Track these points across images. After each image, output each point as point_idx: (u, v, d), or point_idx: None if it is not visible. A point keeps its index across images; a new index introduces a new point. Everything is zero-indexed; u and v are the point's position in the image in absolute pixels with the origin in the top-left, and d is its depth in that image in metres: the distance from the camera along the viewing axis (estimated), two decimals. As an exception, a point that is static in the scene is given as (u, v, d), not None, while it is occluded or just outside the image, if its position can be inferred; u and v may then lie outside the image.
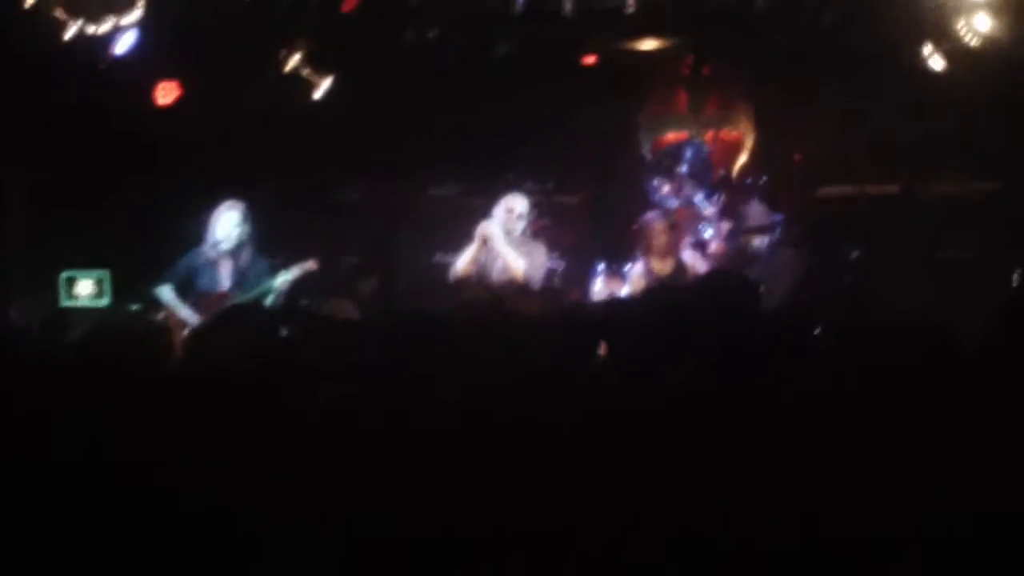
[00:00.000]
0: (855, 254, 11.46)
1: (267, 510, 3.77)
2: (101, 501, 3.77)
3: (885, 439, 3.72)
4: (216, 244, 9.94)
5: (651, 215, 10.50)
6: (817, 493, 3.63)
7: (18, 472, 3.84)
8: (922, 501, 3.56)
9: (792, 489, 3.66)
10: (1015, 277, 10.33)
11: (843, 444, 3.75)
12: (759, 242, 10.35)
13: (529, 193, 10.83)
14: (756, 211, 10.60)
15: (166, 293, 9.97)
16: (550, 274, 10.19)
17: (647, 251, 10.31)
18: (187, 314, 9.86)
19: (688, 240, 10.80)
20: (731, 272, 8.56)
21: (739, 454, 3.75)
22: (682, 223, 11.07)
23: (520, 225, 9.69)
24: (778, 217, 10.94)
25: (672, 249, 10.27)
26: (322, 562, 3.68)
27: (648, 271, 10.25)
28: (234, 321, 5.31)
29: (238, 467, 3.89)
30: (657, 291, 8.74)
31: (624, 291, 10.38)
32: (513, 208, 9.72)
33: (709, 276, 7.49)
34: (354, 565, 3.68)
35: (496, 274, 9.54)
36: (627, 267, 10.67)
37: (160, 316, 9.95)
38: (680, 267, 10.22)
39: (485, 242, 9.51)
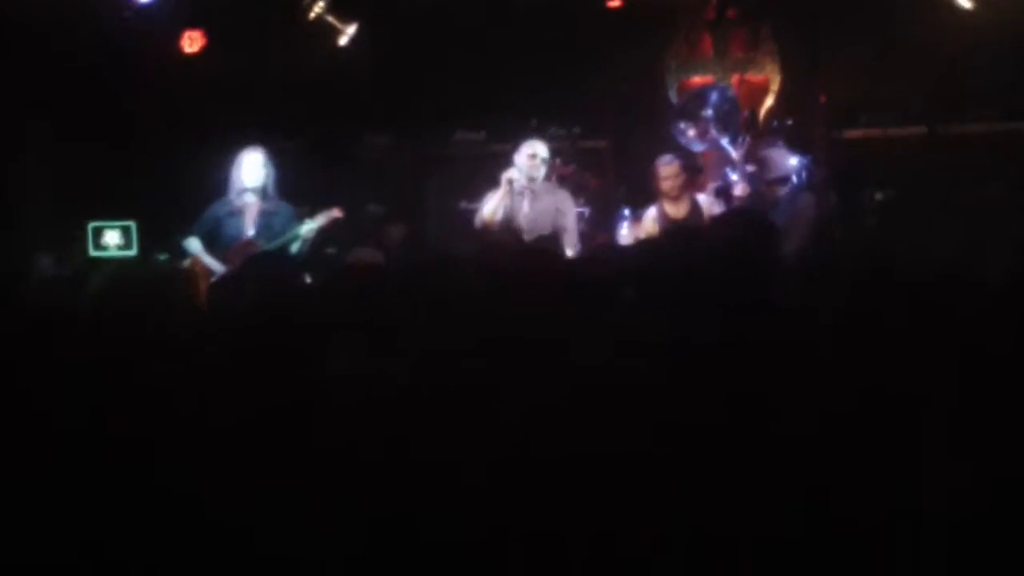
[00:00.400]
0: (879, 196, 11.45)
1: (283, 470, 3.79)
2: (121, 457, 3.80)
3: (908, 394, 3.73)
4: (241, 190, 9.97)
5: (662, 158, 10.50)
6: (836, 452, 3.64)
7: (43, 421, 3.88)
8: (945, 460, 3.57)
9: (809, 447, 3.67)
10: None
11: (864, 398, 3.76)
12: (783, 185, 10.31)
13: (554, 138, 10.85)
14: (781, 154, 10.55)
15: (193, 244, 10.02)
16: (577, 218, 10.18)
17: (659, 194, 10.34)
18: (213, 263, 9.90)
19: (714, 184, 10.78)
20: (748, 211, 8.53)
21: (758, 406, 3.76)
22: (709, 167, 11.05)
23: (542, 169, 9.70)
24: (803, 160, 10.89)
25: (685, 192, 10.28)
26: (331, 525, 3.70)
27: (662, 215, 10.27)
28: (259, 269, 5.35)
29: (256, 424, 3.90)
30: (675, 234, 8.78)
31: (636, 233, 10.40)
32: (535, 153, 9.74)
33: (726, 216, 7.46)
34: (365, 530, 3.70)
35: (521, 219, 9.56)
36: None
37: (186, 264, 10.01)
38: (695, 210, 10.24)
39: (511, 187, 9.53)
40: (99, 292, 4.63)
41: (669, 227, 10.01)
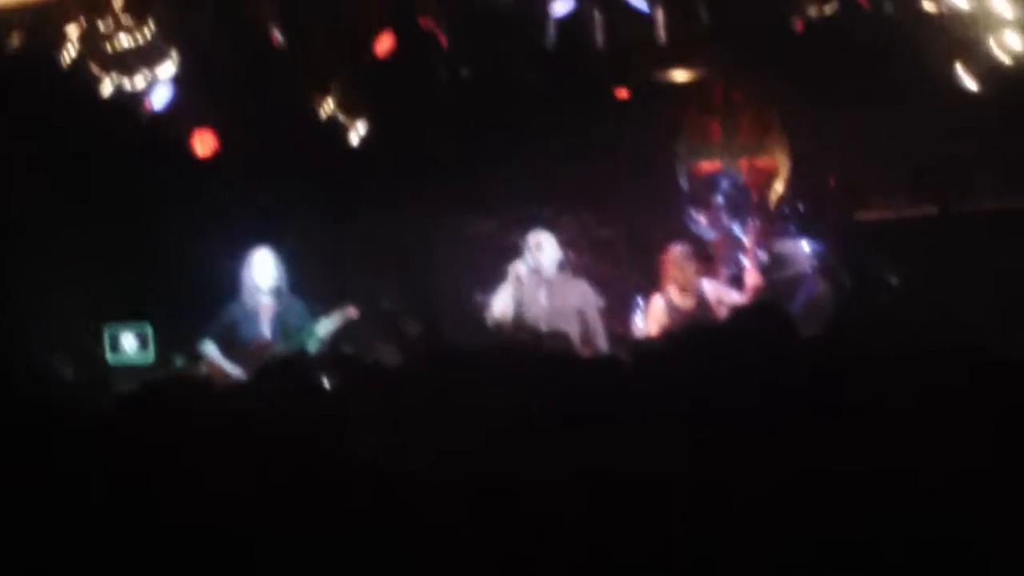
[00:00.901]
0: (894, 278, 11.44)
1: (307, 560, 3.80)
2: (146, 552, 3.80)
3: (934, 470, 3.71)
4: (255, 290, 10.00)
5: (674, 247, 10.47)
6: (861, 527, 3.62)
7: (65, 520, 3.88)
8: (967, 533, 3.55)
9: (836, 523, 3.65)
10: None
11: (892, 475, 3.74)
12: (796, 271, 10.32)
13: (566, 228, 10.85)
14: (794, 247, 10.56)
15: (209, 347, 10.04)
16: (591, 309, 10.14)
17: (668, 284, 10.29)
18: (230, 367, 9.90)
19: (726, 271, 10.79)
20: (766, 305, 8.52)
21: (781, 490, 3.74)
22: (721, 254, 11.08)
23: (547, 258, 9.67)
24: (815, 244, 10.91)
25: (694, 282, 10.23)
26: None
27: (670, 305, 10.20)
28: (278, 373, 5.34)
29: (281, 519, 3.91)
30: (693, 329, 8.76)
31: (648, 325, 10.35)
32: (541, 243, 9.72)
33: (743, 311, 7.45)
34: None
35: (538, 312, 9.53)
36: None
37: (203, 370, 10.02)
38: (702, 301, 10.18)
39: (519, 281, 9.49)
40: (130, 400, 4.65)
41: (680, 320, 9.97)
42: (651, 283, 10.79)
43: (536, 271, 9.56)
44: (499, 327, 9.46)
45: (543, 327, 9.21)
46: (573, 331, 9.38)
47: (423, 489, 4.04)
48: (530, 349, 6.96)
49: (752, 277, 10.54)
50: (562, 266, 9.85)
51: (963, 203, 11.83)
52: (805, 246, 10.63)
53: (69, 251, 11.98)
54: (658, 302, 10.34)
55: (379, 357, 7.12)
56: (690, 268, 10.27)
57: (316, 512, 3.95)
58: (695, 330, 5.91)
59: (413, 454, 4.27)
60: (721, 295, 10.35)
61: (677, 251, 10.39)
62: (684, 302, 10.22)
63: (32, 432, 4.37)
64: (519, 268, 9.52)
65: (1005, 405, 3.87)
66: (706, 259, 11.40)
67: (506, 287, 9.56)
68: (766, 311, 5.47)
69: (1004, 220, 11.64)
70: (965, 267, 11.47)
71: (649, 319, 10.37)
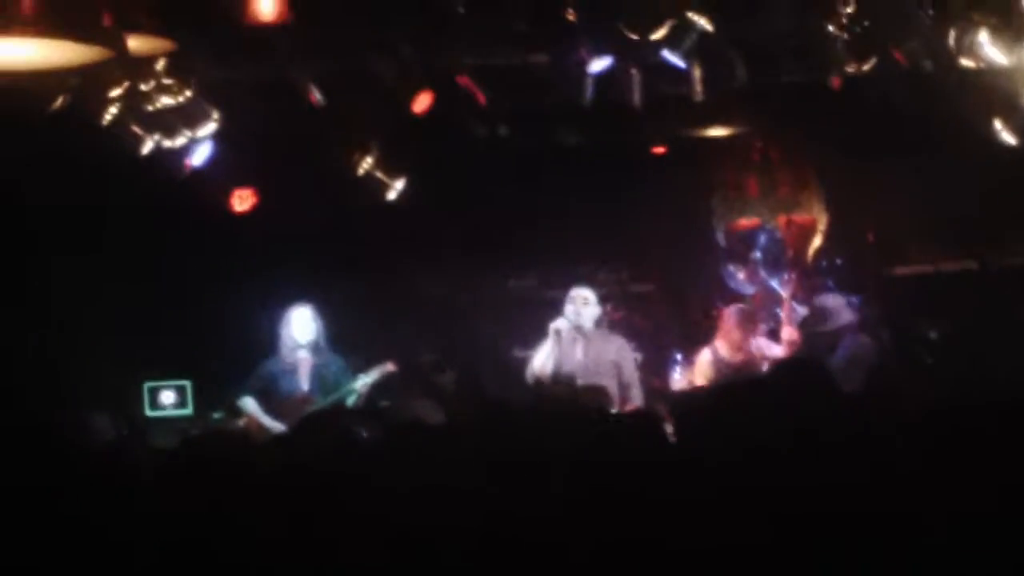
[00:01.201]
0: (934, 334, 11.39)
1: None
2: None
3: (980, 526, 3.69)
4: (293, 346, 10.03)
5: (732, 305, 10.48)
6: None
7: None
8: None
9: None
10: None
11: (936, 534, 3.72)
12: (837, 324, 10.27)
13: (603, 284, 10.86)
14: (836, 302, 10.52)
15: (248, 402, 10.07)
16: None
17: (720, 339, 10.29)
18: (269, 421, 9.93)
19: (764, 327, 10.77)
20: (806, 360, 8.50)
21: (828, 549, 3.73)
22: (758, 309, 11.06)
23: (591, 315, 9.68)
24: (855, 300, 10.88)
25: (745, 340, 10.24)
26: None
27: (717, 359, 10.21)
28: (317, 428, 5.37)
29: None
30: (734, 383, 8.74)
31: (695, 379, 10.36)
32: (585, 298, 9.73)
33: (783, 365, 7.46)
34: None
35: (574, 367, 9.52)
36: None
37: (241, 423, 10.05)
38: (751, 357, 10.18)
39: (559, 337, 9.49)
40: (174, 454, 4.68)
41: (726, 374, 9.96)
42: (689, 338, 10.78)
43: (576, 326, 9.56)
44: (538, 382, 9.44)
45: (579, 381, 9.20)
46: (610, 385, 9.36)
47: (462, 544, 4.04)
48: (567, 404, 6.98)
49: (788, 332, 10.51)
50: (599, 321, 9.84)
51: (1001, 258, 11.79)
52: (845, 301, 10.58)
53: (110, 308, 12.05)
54: (706, 356, 10.34)
55: (418, 413, 7.09)
56: (747, 328, 10.27)
57: (357, 568, 3.96)
58: (736, 384, 5.91)
59: (451, 510, 4.27)
60: (764, 350, 10.35)
61: (736, 310, 10.39)
62: (734, 357, 10.22)
63: (74, 487, 4.40)
64: (560, 324, 9.53)
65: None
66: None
67: (546, 343, 9.56)
68: (806, 366, 5.48)
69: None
70: (1004, 321, 11.43)
71: (696, 372, 10.37)
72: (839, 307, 10.38)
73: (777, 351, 10.33)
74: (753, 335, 10.44)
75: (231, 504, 4.21)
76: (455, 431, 5.28)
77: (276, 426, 9.79)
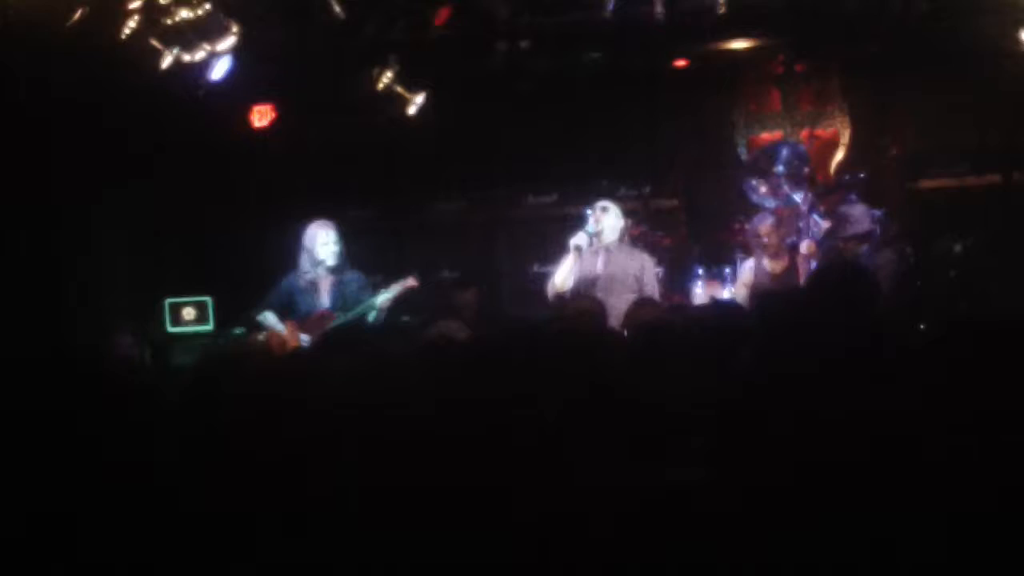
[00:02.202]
0: (958, 248, 11.34)
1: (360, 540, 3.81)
2: (205, 523, 3.83)
3: (995, 442, 3.67)
4: (315, 264, 10.00)
5: (758, 216, 10.46)
6: (927, 497, 3.60)
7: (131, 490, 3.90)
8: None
9: (898, 492, 3.63)
10: None
11: (951, 446, 3.71)
12: (861, 229, 10.24)
13: (625, 199, 10.82)
14: (860, 210, 10.48)
15: (268, 316, 10.05)
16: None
17: (758, 250, 10.27)
18: (290, 335, 9.93)
19: (789, 240, 10.74)
20: (847, 264, 8.46)
21: (849, 453, 3.72)
22: (783, 222, 11.01)
23: (613, 225, 9.63)
24: (877, 213, 10.83)
25: (782, 247, 10.23)
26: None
27: (760, 269, 10.20)
28: (339, 343, 5.35)
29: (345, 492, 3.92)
30: (774, 290, 8.74)
31: (737, 288, 10.36)
32: (607, 207, 9.68)
33: (826, 270, 7.43)
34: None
35: (595, 280, 9.49)
36: (728, 269, 10.66)
37: (261, 338, 10.04)
38: (792, 265, 10.18)
39: (579, 253, 9.45)
40: (192, 370, 4.66)
41: (766, 282, 9.97)
42: (712, 252, 10.77)
43: (597, 238, 9.52)
44: (559, 297, 9.40)
45: (599, 294, 9.16)
46: (629, 299, 9.33)
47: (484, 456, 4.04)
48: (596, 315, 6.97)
49: (806, 245, 10.49)
50: (622, 236, 9.79)
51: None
52: (868, 211, 10.55)
53: (131, 226, 12.06)
54: (748, 264, 10.36)
55: (444, 330, 7.08)
56: (779, 234, 10.26)
57: (381, 483, 3.95)
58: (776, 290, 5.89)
59: (473, 427, 4.27)
60: (805, 262, 10.35)
61: (763, 219, 10.36)
62: (775, 267, 10.22)
63: (97, 404, 4.39)
64: (579, 239, 9.48)
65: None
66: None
67: (567, 258, 9.52)
68: (851, 270, 5.46)
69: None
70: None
71: (738, 282, 10.39)
72: (861, 215, 10.36)
73: (810, 264, 10.32)
74: (789, 238, 10.44)
75: (249, 425, 4.20)
76: (481, 348, 5.22)
77: (298, 339, 9.80)
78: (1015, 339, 3.99)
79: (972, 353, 3.99)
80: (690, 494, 3.72)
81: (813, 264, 10.14)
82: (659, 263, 10.82)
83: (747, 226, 10.70)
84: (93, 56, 9.69)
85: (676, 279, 11.33)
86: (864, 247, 10.09)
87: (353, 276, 10.10)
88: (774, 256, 10.21)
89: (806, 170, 11.47)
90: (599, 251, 9.50)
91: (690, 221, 12.47)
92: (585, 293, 9.16)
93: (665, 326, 5.56)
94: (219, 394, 4.48)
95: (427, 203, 12.85)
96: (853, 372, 4.17)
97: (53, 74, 9.90)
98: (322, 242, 9.99)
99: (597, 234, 9.48)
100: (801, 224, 10.86)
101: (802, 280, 9.99)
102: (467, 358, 4.93)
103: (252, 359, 5.20)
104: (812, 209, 10.89)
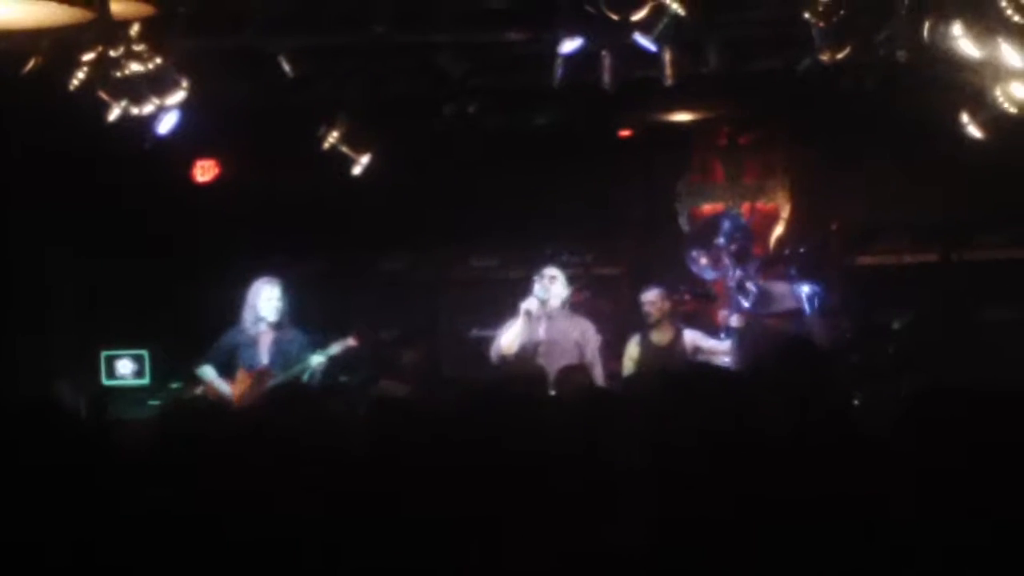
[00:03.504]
0: (896, 323, 11.46)
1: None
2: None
3: (938, 509, 3.71)
4: (257, 320, 9.99)
5: (645, 289, 10.58)
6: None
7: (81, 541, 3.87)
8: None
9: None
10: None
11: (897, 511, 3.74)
12: (786, 307, 10.34)
13: (568, 265, 10.87)
14: (783, 286, 10.61)
15: (207, 371, 10.02)
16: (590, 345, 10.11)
17: (646, 322, 10.39)
18: (227, 390, 9.90)
19: (725, 312, 10.82)
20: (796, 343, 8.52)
21: (777, 523, 3.75)
22: (722, 295, 11.11)
23: (558, 292, 9.69)
24: (815, 287, 10.95)
25: (668, 320, 10.34)
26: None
27: (646, 341, 10.30)
28: (280, 402, 5.34)
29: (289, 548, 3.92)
30: (706, 365, 8.80)
31: (624, 362, 10.43)
32: (554, 276, 9.74)
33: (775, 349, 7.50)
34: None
35: (537, 346, 9.52)
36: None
37: (199, 392, 10.01)
38: (678, 338, 10.28)
39: (529, 317, 9.49)
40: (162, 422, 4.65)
41: (652, 356, 10.06)
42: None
43: (543, 304, 9.57)
44: (503, 360, 9.44)
45: (541, 361, 9.21)
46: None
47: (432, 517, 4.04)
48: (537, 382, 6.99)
49: (734, 319, 10.60)
50: (564, 303, 9.85)
51: (964, 250, 11.87)
52: (805, 289, 10.66)
53: (69, 278, 11.99)
54: (635, 338, 10.47)
55: (383, 390, 7.11)
56: (662, 307, 10.38)
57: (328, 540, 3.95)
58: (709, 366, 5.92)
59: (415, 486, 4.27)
60: (698, 340, 10.45)
61: (648, 291, 10.49)
62: (660, 339, 10.32)
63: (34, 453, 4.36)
64: (531, 304, 9.52)
65: (1002, 444, 3.87)
66: (707, 298, 11.45)
67: (515, 322, 9.55)
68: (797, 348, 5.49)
69: (1004, 268, 11.69)
70: (964, 313, 11.52)
71: (625, 356, 10.47)
72: (784, 292, 10.47)
73: (714, 343, 10.43)
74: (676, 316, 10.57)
75: (212, 477, 4.18)
76: (426, 408, 5.23)
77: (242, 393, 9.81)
78: (946, 411, 4.03)
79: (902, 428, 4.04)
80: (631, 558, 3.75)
81: (711, 343, 10.30)
82: (600, 330, 10.86)
83: (687, 294, 10.79)
84: (44, 106, 9.67)
85: (617, 347, 11.35)
86: (792, 324, 10.16)
87: (294, 333, 10.10)
88: (658, 327, 10.32)
89: (744, 244, 11.57)
90: (541, 317, 9.57)
91: (633, 288, 12.51)
92: (527, 358, 9.21)
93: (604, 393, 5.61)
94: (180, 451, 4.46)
95: (371, 260, 12.83)
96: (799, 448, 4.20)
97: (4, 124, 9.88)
98: (266, 298, 9.99)
99: (545, 299, 9.53)
100: (740, 298, 10.96)
101: (734, 353, 10.11)
102: (417, 419, 4.94)
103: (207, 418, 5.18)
104: (747, 281, 10.98)
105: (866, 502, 3.81)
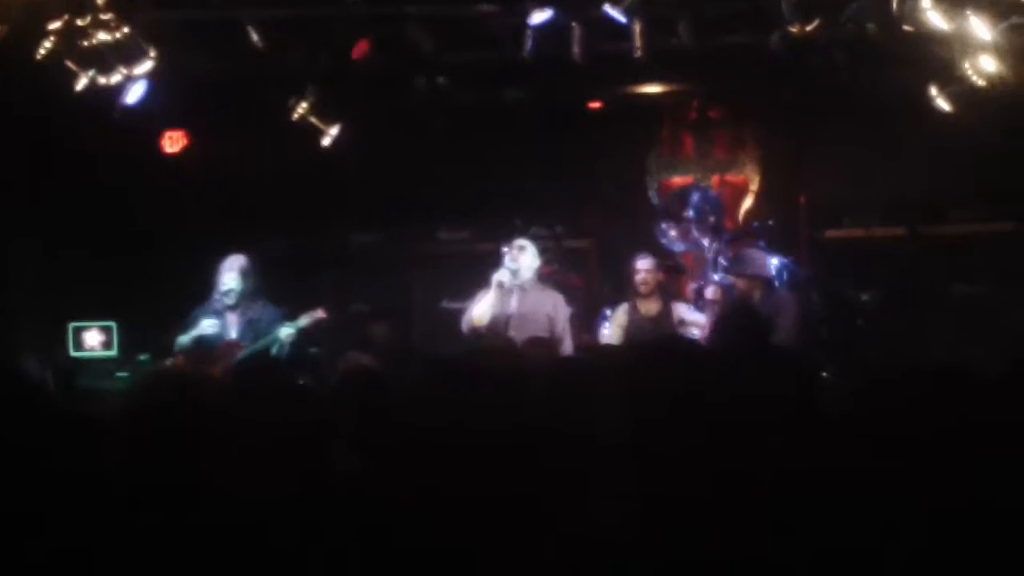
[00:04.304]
0: (865, 297, 11.49)
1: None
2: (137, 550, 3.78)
3: (898, 480, 3.73)
4: (224, 295, 9.97)
5: (638, 255, 10.56)
6: (831, 530, 3.65)
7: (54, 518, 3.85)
8: (937, 535, 3.57)
9: (807, 527, 3.67)
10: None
11: (857, 484, 3.76)
12: (756, 272, 10.34)
13: (537, 238, 10.86)
14: (759, 254, 10.61)
15: (186, 342, 9.99)
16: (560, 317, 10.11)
17: (633, 291, 10.38)
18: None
19: (694, 284, 10.84)
20: (744, 310, 8.55)
21: (751, 497, 3.76)
22: (691, 268, 11.12)
23: (527, 263, 9.68)
24: (784, 261, 10.97)
25: (658, 291, 10.33)
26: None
27: (633, 310, 10.29)
28: (249, 373, 5.32)
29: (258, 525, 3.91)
30: (671, 336, 8.81)
31: (612, 329, 10.41)
32: (524, 247, 9.74)
33: (727, 315, 7.52)
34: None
35: (509, 319, 9.52)
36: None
37: (169, 363, 9.98)
38: (666, 309, 10.27)
39: (502, 288, 9.49)
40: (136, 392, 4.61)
41: (639, 326, 10.04)
42: (621, 294, 10.82)
43: (514, 275, 9.57)
44: (475, 332, 9.43)
45: (512, 333, 9.21)
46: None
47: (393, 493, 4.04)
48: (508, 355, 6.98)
49: (711, 291, 10.60)
50: (535, 275, 9.85)
51: (933, 225, 11.90)
52: (774, 261, 10.67)
53: (35, 250, 11.93)
54: (623, 307, 10.44)
55: (349, 360, 7.09)
56: (654, 277, 10.35)
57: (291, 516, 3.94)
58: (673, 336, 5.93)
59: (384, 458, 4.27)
60: (687, 312, 10.43)
61: (643, 259, 10.46)
62: (648, 310, 10.30)
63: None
64: (502, 275, 9.52)
65: (966, 422, 3.90)
66: (677, 270, 11.46)
67: (486, 294, 9.55)
68: (745, 316, 5.50)
69: (973, 242, 11.72)
70: (933, 288, 11.55)
71: (613, 323, 10.44)
72: (759, 258, 10.47)
73: (698, 316, 10.42)
74: (674, 287, 10.55)
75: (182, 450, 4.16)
76: (396, 381, 5.22)
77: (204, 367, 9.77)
78: (911, 387, 4.05)
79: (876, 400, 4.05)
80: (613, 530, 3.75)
81: (695, 316, 10.28)
82: (570, 302, 10.86)
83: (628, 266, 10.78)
84: (10, 76, 9.60)
85: (586, 319, 11.36)
86: (758, 291, 10.15)
87: (264, 308, 10.08)
88: (648, 297, 10.31)
89: (714, 217, 11.59)
90: (513, 290, 9.56)
91: (602, 262, 12.52)
92: (498, 331, 9.21)
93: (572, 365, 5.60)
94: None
95: (342, 235, 12.79)
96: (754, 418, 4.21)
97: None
98: (235, 273, 9.96)
99: (515, 270, 9.53)
100: (708, 270, 10.98)
101: (709, 325, 10.10)
102: (386, 391, 4.94)
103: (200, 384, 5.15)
104: (719, 255, 11.00)
105: (827, 475, 3.83)
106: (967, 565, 3.57)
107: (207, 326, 9.96)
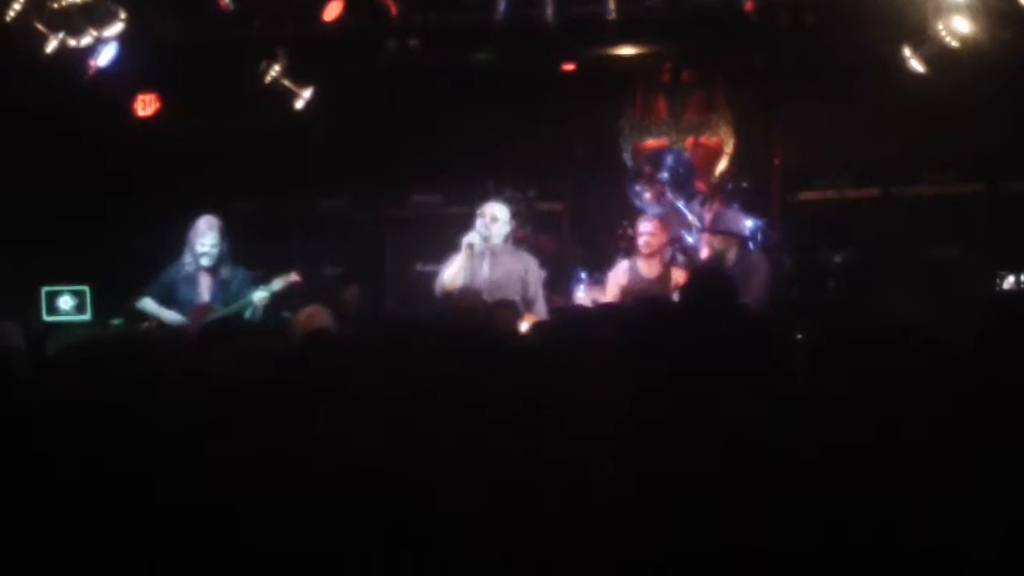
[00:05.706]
0: (837, 259, 11.52)
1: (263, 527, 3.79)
2: (99, 516, 3.76)
3: (869, 446, 3.73)
4: (198, 257, 9.94)
5: (645, 215, 10.56)
6: (803, 501, 3.65)
7: (17, 485, 3.83)
8: (911, 507, 3.57)
9: (781, 496, 3.67)
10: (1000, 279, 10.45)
11: (829, 451, 3.76)
12: (732, 229, 10.35)
13: (510, 201, 10.83)
14: (734, 214, 10.63)
15: (148, 304, 9.98)
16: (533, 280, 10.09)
17: (635, 251, 10.37)
18: (172, 317, 9.87)
19: (670, 247, 10.83)
20: (711, 271, 8.58)
21: (729, 460, 3.76)
22: (666, 230, 11.09)
23: (501, 231, 9.67)
24: (758, 222, 10.98)
25: (660, 252, 10.32)
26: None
27: (633, 269, 10.29)
28: (220, 335, 5.30)
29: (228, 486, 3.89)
30: (645, 297, 8.82)
31: (610, 287, 10.42)
32: (495, 215, 9.72)
33: (695, 276, 7.53)
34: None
35: (480, 283, 9.51)
36: (610, 273, 10.71)
37: (143, 327, 9.95)
38: (665, 272, 10.27)
39: (471, 252, 9.48)
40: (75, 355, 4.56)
41: (639, 286, 10.04)
42: (595, 257, 10.82)
43: (486, 241, 9.55)
44: (447, 295, 9.41)
45: (485, 296, 9.19)
46: (514, 300, 9.37)
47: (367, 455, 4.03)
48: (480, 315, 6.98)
49: (693, 252, 10.62)
50: (507, 239, 9.83)
51: (906, 186, 11.91)
52: (748, 222, 10.68)
53: (6, 214, 11.87)
54: (623, 265, 10.43)
55: (305, 313, 7.08)
56: (658, 238, 10.34)
57: (267, 480, 3.93)
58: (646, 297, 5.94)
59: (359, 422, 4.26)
60: (681, 279, 10.42)
61: (649, 219, 10.45)
62: (649, 271, 10.30)
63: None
64: (473, 238, 9.51)
65: (937, 386, 3.91)
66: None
67: (457, 257, 9.54)
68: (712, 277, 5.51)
69: (946, 204, 11.74)
70: (905, 249, 11.57)
71: (612, 281, 10.44)
72: (734, 216, 10.50)
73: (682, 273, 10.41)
74: (663, 249, 10.53)
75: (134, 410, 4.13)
76: (364, 343, 5.20)
77: (178, 320, 9.77)
78: (892, 350, 4.05)
79: (845, 363, 4.05)
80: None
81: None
82: (542, 266, 10.85)
83: (629, 229, 10.80)
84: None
85: (559, 282, 11.35)
86: (733, 249, 10.17)
87: (236, 271, 10.07)
88: (650, 258, 10.30)
89: (690, 178, 11.58)
90: (485, 253, 9.53)
91: (575, 225, 12.52)
92: (471, 293, 9.18)
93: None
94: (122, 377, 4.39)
95: (313, 199, 12.76)
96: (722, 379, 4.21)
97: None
98: (206, 236, 9.94)
99: (487, 237, 9.52)
100: (683, 232, 10.99)
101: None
102: (350, 351, 4.92)
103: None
104: (696, 216, 11.02)
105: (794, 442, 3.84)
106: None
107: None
